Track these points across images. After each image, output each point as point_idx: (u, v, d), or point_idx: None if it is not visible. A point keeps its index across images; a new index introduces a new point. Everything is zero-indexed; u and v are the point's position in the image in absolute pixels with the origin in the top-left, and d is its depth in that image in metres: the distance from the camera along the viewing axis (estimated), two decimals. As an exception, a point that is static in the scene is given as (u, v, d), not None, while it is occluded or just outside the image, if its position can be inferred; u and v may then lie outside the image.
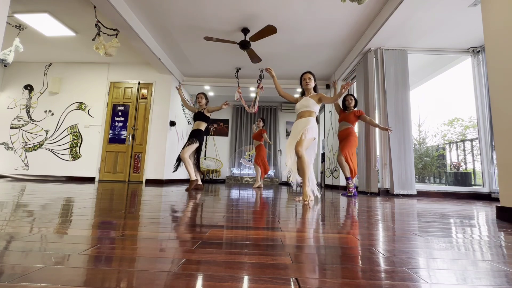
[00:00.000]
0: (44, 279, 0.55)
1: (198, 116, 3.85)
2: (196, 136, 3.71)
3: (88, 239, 0.91)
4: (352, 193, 3.42)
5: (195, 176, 3.66)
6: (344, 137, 3.59)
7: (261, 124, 5.40)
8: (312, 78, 2.60)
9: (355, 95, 5.26)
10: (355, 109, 3.72)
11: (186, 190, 3.50)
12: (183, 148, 3.66)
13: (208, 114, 3.86)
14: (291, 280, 0.60)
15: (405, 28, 3.67)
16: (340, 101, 3.83)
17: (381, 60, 4.13)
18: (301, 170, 2.40)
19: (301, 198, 2.49)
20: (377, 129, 4.04)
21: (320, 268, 0.69)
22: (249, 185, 6.38)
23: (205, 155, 7.94)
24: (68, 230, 1.03)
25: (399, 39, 3.94)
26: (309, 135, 2.45)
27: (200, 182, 3.74)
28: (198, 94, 3.91)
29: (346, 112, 3.68)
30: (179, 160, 3.70)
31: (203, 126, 3.82)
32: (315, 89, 2.64)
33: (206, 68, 5.92)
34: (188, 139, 3.72)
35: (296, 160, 2.46)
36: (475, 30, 3.65)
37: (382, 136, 4.01)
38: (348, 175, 3.49)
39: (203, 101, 3.87)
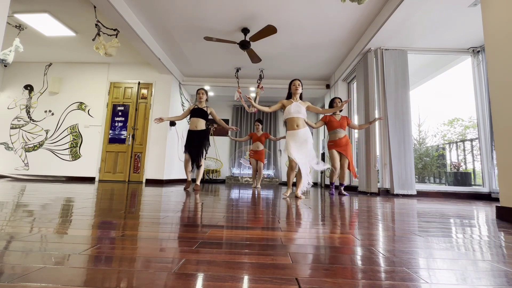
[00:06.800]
0: (44, 279, 0.55)
1: (200, 113, 3.66)
2: (208, 139, 3.71)
3: (88, 239, 0.91)
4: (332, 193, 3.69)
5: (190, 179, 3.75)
6: (345, 143, 3.64)
7: (260, 126, 5.18)
8: (301, 85, 3.00)
9: (355, 95, 5.28)
10: (341, 114, 3.84)
11: (185, 189, 3.57)
12: (201, 156, 3.62)
13: (208, 114, 3.74)
14: (291, 280, 0.60)
15: (405, 28, 3.66)
16: (327, 104, 4.00)
17: (381, 60, 4.12)
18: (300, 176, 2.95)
19: (287, 194, 2.96)
20: (377, 129, 4.07)
21: (320, 268, 0.68)
22: (249, 185, 6.38)
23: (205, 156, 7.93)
24: (68, 230, 1.03)
25: (399, 39, 3.94)
26: (313, 152, 2.92)
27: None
28: (199, 89, 3.73)
29: (335, 116, 3.71)
30: (198, 165, 3.66)
31: (204, 124, 3.71)
32: (301, 96, 3.02)
33: (206, 68, 5.92)
34: (199, 144, 3.59)
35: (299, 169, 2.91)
36: (475, 30, 3.65)
37: (382, 136, 4.01)
38: (334, 181, 3.69)
39: (204, 97, 3.73)
